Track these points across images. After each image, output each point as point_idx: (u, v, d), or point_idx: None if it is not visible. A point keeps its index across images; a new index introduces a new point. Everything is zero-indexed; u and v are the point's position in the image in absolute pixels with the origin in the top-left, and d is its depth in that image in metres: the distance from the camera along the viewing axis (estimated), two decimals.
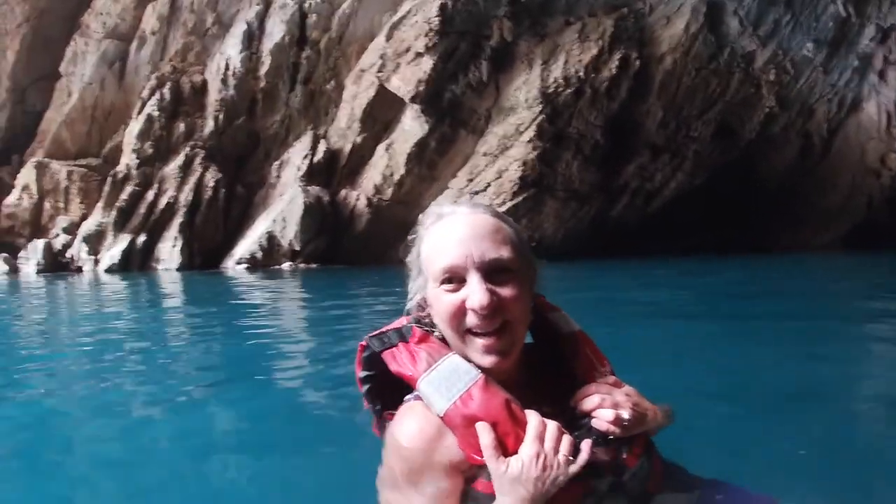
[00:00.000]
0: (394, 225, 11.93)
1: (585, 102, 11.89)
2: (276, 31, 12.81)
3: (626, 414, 0.91)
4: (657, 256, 10.93)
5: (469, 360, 0.91)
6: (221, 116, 12.68)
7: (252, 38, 12.92)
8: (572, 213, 12.11)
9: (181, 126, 12.85)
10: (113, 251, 13.08)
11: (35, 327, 5.12)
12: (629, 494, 0.92)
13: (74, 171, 14.58)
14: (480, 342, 0.89)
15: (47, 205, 15.05)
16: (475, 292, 0.86)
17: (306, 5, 12.79)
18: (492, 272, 0.88)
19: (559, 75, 11.82)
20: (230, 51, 12.98)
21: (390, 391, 1.01)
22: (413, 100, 11.57)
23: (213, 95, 12.93)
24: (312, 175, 12.08)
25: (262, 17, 13.05)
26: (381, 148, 12.00)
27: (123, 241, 13.03)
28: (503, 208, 11.55)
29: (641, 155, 12.70)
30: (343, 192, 12.05)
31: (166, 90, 13.07)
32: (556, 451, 0.86)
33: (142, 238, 12.85)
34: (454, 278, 0.89)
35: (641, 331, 3.51)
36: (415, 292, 0.99)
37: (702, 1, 13.11)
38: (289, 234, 11.79)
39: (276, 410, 2.13)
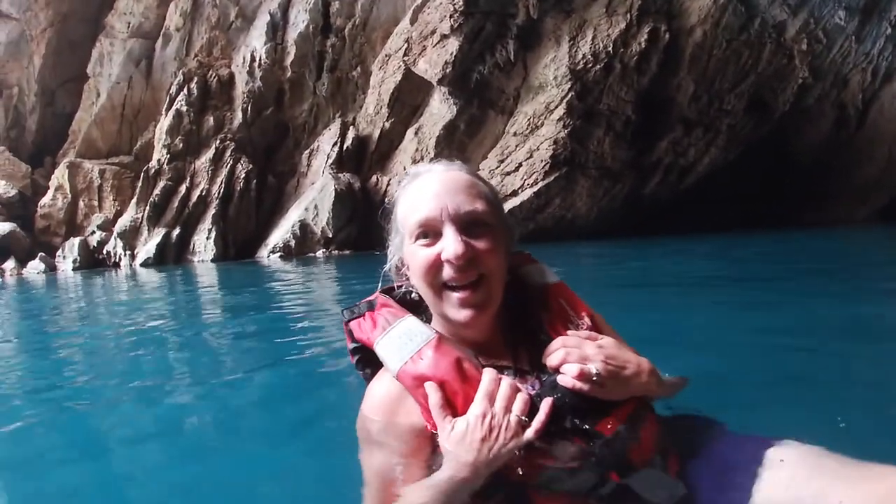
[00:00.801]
0: None
1: (615, 78, 11.66)
2: (299, 20, 12.83)
3: (594, 367, 0.81)
4: (693, 233, 10.72)
5: (446, 318, 0.89)
6: (249, 108, 12.77)
7: (276, 29, 12.97)
8: (605, 191, 11.92)
9: (210, 120, 12.98)
10: (148, 245, 13.32)
11: (82, 314, 5.24)
12: (602, 466, 0.79)
13: (107, 169, 14.86)
14: (456, 296, 0.86)
15: (81, 203, 15.37)
16: (450, 243, 0.85)
17: None
18: (467, 225, 0.87)
19: (587, 51, 11.61)
20: (255, 43, 13.05)
21: (377, 360, 0.98)
22: (440, 82, 11.49)
23: (241, 88, 13.03)
24: (342, 162, 12.10)
25: (285, 8, 13.08)
26: (410, 132, 11.95)
27: (158, 235, 13.25)
28: (535, 188, 11.48)
29: (674, 130, 12.44)
30: (374, 178, 12.05)
31: (193, 85, 13.21)
32: (508, 410, 0.78)
33: (176, 231, 13.05)
34: (429, 232, 0.88)
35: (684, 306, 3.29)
36: (392, 253, 0.99)
37: None
38: (321, 222, 11.85)
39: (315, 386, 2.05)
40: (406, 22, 12.05)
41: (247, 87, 12.94)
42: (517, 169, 11.50)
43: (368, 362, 1.02)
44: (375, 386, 0.95)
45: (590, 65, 11.58)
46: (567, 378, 0.82)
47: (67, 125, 16.45)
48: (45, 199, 15.82)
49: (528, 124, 11.56)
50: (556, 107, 11.48)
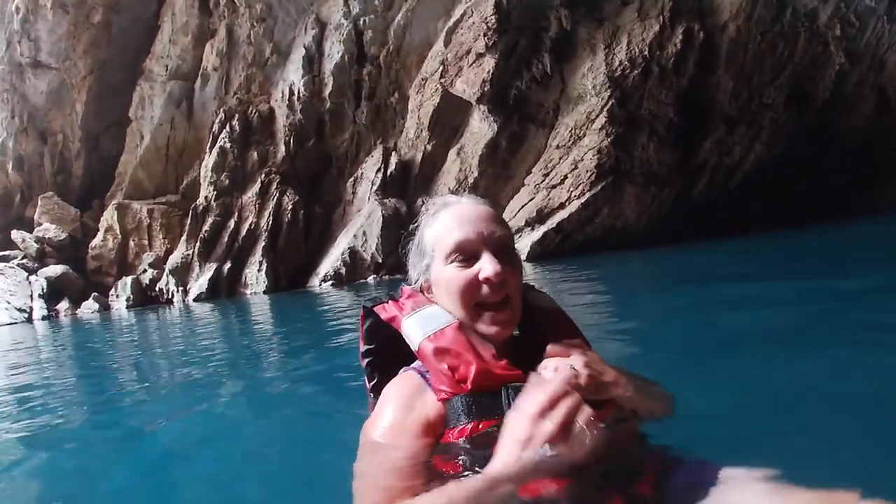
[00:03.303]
0: None
1: (654, 81, 11.61)
2: (334, 51, 13.12)
3: (575, 365, 0.89)
4: (747, 233, 10.55)
5: (476, 332, 0.98)
6: (292, 141, 13.07)
7: (312, 62, 13.27)
8: (653, 196, 11.83)
9: (254, 154, 13.33)
10: (200, 280, 13.67)
11: (152, 349, 5.47)
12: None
13: (155, 208, 15.34)
14: (489, 314, 0.97)
15: (131, 243, 15.87)
16: (489, 264, 0.95)
17: (360, 23, 13.04)
18: (500, 250, 0.98)
19: (624, 57, 11.60)
20: (292, 76, 13.38)
21: (389, 367, 1.09)
22: (479, 101, 11.60)
23: (281, 121, 13.35)
24: (387, 188, 12.28)
25: (318, 41, 13.39)
26: (452, 153, 12.07)
27: (209, 269, 13.60)
28: (582, 199, 11.45)
29: (717, 129, 12.30)
30: (419, 201, 12.18)
31: (235, 122, 13.59)
32: (570, 417, 0.78)
33: (227, 265, 13.38)
34: (466, 254, 0.97)
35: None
36: (418, 276, 1.06)
37: None
38: (370, 248, 12.01)
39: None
40: (440, 44, 12.22)
41: (287, 121, 13.25)
42: (562, 181, 11.50)
43: (378, 368, 1.13)
44: (394, 383, 1.02)
45: (627, 70, 11.56)
46: (548, 373, 0.90)
47: (113, 168, 17.05)
48: (96, 241, 16.37)
49: (571, 136, 11.57)
50: (597, 116, 11.47)
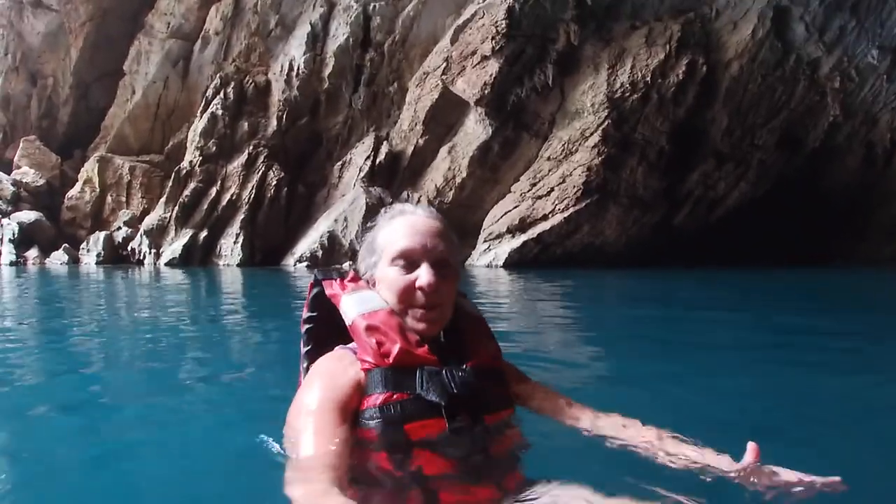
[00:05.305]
0: (454, 227, 11.85)
1: (652, 108, 11.71)
2: (340, 32, 12.96)
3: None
4: (719, 266, 10.73)
5: (403, 327, 1.10)
6: (285, 116, 12.89)
7: (316, 40, 13.10)
8: (635, 219, 11.93)
9: (245, 125, 13.10)
10: (174, 245, 13.41)
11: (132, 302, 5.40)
12: (472, 441, 1.03)
13: (137, 166, 15.00)
14: (420, 312, 1.09)
15: (109, 198, 15.51)
16: (425, 274, 1.07)
17: (370, 8, 12.91)
18: (438, 263, 1.09)
19: (626, 80, 11.67)
20: (294, 52, 13.18)
21: (325, 337, 1.20)
22: (478, 103, 11.57)
23: (277, 95, 13.15)
24: (374, 176, 12.18)
25: (326, 20, 13.22)
26: (443, 150, 12.03)
27: (185, 235, 13.34)
28: (566, 213, 11.50)
29: (706, 162, 12.46)
30: (404, 194, 12.12)
31: (230, 90, 13.34)
32: None
33: (203, 233, 13.15)
34: (408, 261, 1.09)
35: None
36: (366, 270, 1.17)
37: (768, 6, 12.80)
38: (349, 234, 11.91)
39: None
40: (446, 41, 12.16)
41: (283, 96, 13.07)
42: (549, 193, 11.54)
43: (314, 337, 1.23)
44: (327, 356, 1.14)
45: (627, 93, 11.63)
46: None
47: (100, 119, 16.62)
48: (73, 192, 15.96)
49: (563, 149, 11.61)
50: (592, 134, 11.52)
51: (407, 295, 1.09)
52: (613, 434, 1.14)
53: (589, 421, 1.18)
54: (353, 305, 1.12)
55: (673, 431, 1.12)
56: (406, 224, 1.13)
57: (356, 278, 1.19)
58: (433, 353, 1.08)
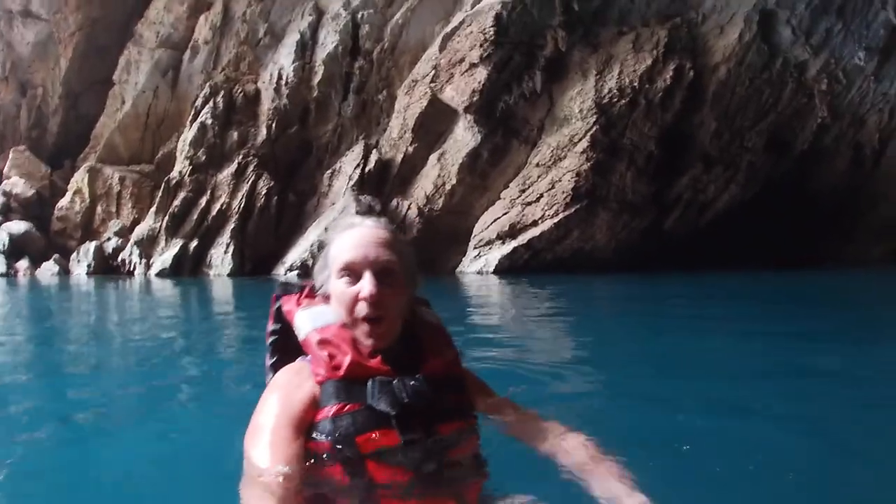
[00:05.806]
0: (444, 235, 11.94)
1: (640, 113, 11.76)
2: (328, 41, 12.96)
3: None
4: (711, 270, 10.78)
5: (356, 340, 1.11)
6: (274, 125, 12.86)
7: (305, 49, 13.09)
8: (624, 224, 11.97)
9: (234, 134, 13.07)
10: (165, 256, 13.35)
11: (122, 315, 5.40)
12: (427, 452, 1.03)
13: (127, 176, 14.94)
14: (367, 327, 1.09)
15: (99, 208, 15.43)
16: (367, 285, 1.08)
17: (359, 16, 12.92)
18: (381, 273, 1.10)
19: (613, 85, 11.72)
20: (283, 60, 13.17)
21: (289, 349, 1.21)
22: (467, 110, 11.59)
23: (266, 104, 13.13)
24: (364, 184, 12.18)
25: (314, 28, 13.22)
26: (433, 158, 12.04)
27: (175, 245, 13.28)
28: (556, 219, 11.51)
29: (694, 166, 12.52)
30: (394, 202, 12.12)
31: (219, 99, 13.31)
32: None
33: (194, 243, 13.08)
34: (352, 273, 1.11)
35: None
36: (321, 284, 1.19)
37: (754, 10, 12.90)
38: None
39: None
40: (434, 48, 12.18)
41: (272, 104, 13.05)
42: (538, 199, 11.56)
43: (279, 349, 1.25)
44: (286, 368, 1.16)
45: (615, 99, 11.68)
46: None
47: (89, 129, 16.54)
48: (63, 202, 15.88)
49: (552, 155, 11.64)
50: (580, 139, 11.56)
51: (351, 306, 1.10)
52: (565, 461, 1.13)
53: (549, 444, 1.17)
54: (306, 321, 1.14)
55: (614, 455, 1.11)
56: (352, 236, 1.15)
57: (311, 294, 1.21)
58: (387, 363, 1.08)
